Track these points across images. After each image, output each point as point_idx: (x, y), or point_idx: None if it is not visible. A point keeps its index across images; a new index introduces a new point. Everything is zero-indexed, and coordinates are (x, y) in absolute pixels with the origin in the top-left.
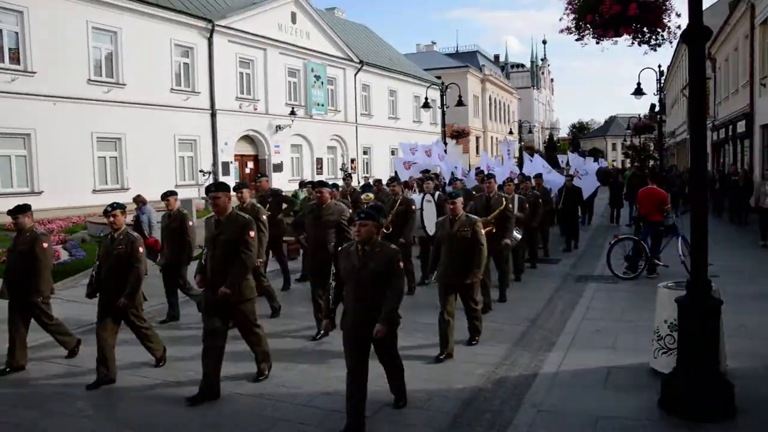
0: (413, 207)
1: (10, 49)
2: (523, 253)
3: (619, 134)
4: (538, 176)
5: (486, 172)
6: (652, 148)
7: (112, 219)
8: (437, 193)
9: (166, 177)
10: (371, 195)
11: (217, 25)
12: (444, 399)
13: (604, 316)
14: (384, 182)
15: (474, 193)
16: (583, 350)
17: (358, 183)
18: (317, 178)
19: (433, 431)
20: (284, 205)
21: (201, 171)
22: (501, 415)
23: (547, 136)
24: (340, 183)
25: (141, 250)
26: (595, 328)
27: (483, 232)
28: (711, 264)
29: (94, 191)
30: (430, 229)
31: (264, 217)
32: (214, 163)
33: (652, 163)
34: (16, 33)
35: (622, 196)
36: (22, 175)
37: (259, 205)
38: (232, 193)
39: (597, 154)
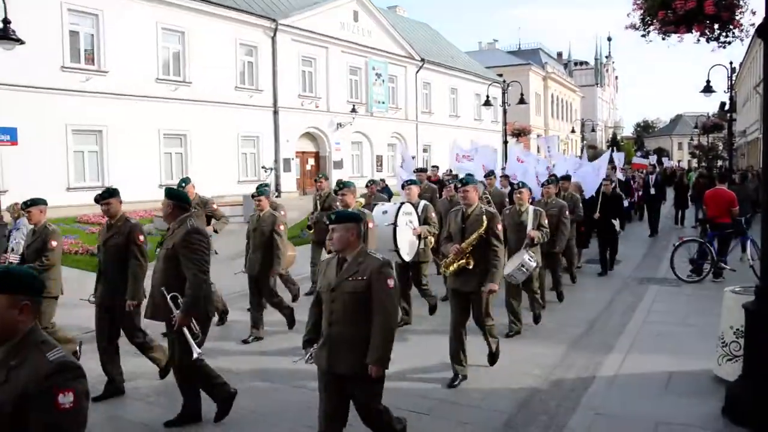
0: (369, 222)
1: (85, 51)
2: (542, 285)
3: (685, 133)
4: (566, 178)
5: (485, 172)
6: (720, 147)
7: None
8: (423, 203)
9: (229, 173)
10: (362, 200)
11: (281, 24)
12: (499, 398)
13: (666, 319)
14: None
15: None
16: (643, 354)
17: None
18: (377, 176)
19: (487, 431)
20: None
21: (263, 167)
22: (556, 417)
23: (611, 135)
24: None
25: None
26: (656, 331)
27: (499, 227)
28: None
29: (160, 186)
30: (406, 253)
31: (281, 227)
32: (276, 160)
33: (720, 163)
34: (92, 35)
35: (687, 198)
36: (93, 170)
37: (275, 213)
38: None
39: (662, 153)
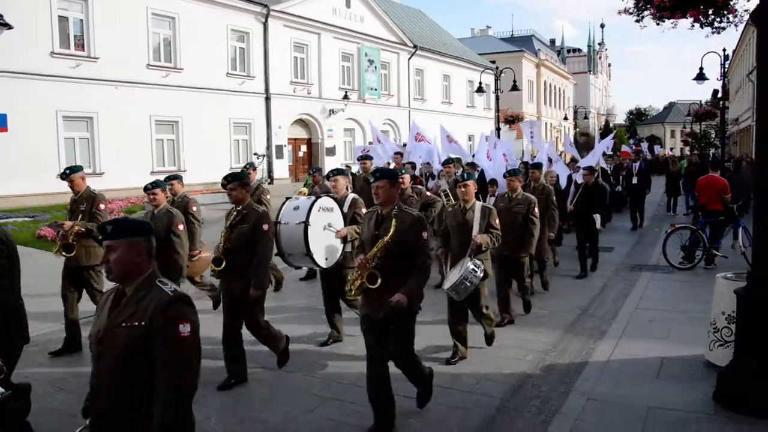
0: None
1: (75, 36)
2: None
3: (678, 121)
4: (536, 166)
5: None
6: (713, 135)
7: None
8: (351, 197)
9: (222, 160)
10: (305, 190)
11: (273, 9)
12: (492, 383)
13: (658, 305)
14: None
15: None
16: (635, 340)
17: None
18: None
19: (479, 415)
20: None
21: (255, 154)
22: (549, 402)
23: (603, 123)
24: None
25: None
26: (648, 317)
27: (425, 235)
28: None
29: (152, 173)
30: (323, 258)
31: (180, 226)
32: (268, 147)
33: (712, 151)
34: (81, 20)
35: (679, 185)
36: (85, 156)
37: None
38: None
39: (654, 141)
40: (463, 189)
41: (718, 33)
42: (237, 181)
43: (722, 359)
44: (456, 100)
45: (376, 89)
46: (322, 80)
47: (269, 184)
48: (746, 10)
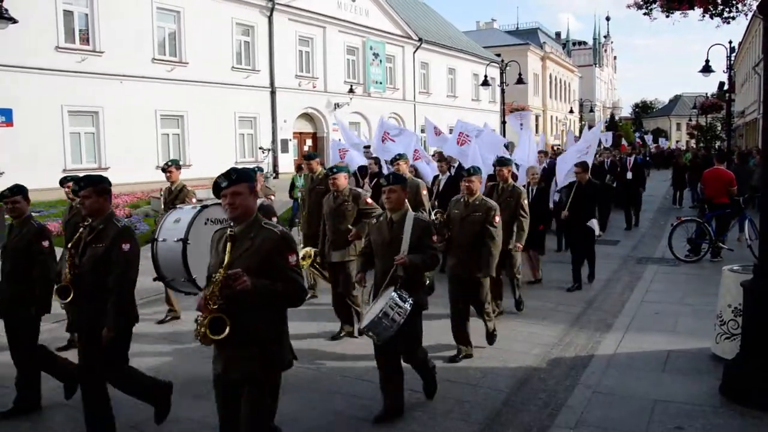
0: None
1: (80, 30)
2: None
3: (684, 114)
4: (502, 163)
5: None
6: (719, 128)
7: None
8: (263, 200)
9: (227, 154)
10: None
11: (278, 3)
12: (498, 377)
13: (664, 298)
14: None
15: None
16: (641, 333)
17: None
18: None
19: (486, 409)
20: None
21: (260, 148)
22: (555, 395)
23: (609, 116)
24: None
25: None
26: (654, 310)
27: (497, 219)
28: None
29: (158, 167)
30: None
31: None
32: (273, 141)
33: (718, 144)
34: (86, 15)
35: (685, 177)
36: (90, 151)
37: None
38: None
39: (660, 134)
40: (387, 196)
41: (728, 23)
42: (91, 186)
43: (728, 352)
44: (461, 94)
45: (381, 83)
46: (327, 74)
47: (274, 178)
48: None
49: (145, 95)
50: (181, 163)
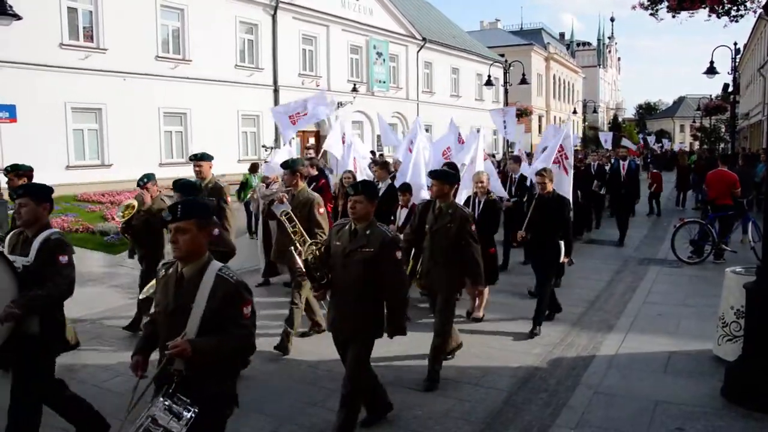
0: None
1: (84, 28)
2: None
3: (688, 115)
4: (440, 176)
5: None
6: (723, 130)
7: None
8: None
9: (230, 152)
10: (135, 202)
11: (281, 1)
12: (499, 377)
13: (666, 300)
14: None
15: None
16: (643, 334)
17: None
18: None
19: (486, 409)
20: None
21: (263, 146)
22: (556, 395)
23: (612, 117)
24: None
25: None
26: (656, 312)
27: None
28: None
29: (161, 164)
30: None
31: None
32: (276, 139)
33: (722, 146)
34: (90, 12)
35: (689, 179)
36: (93, 148)
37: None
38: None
39: (663, 135)
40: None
41: (736, 21)
42: (30, 195)
43: (730, 354)
44: (464, 94)
45: (384, 82)
46: (330, 73)
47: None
48: None
49: (148, 92)
50: (183, 159)
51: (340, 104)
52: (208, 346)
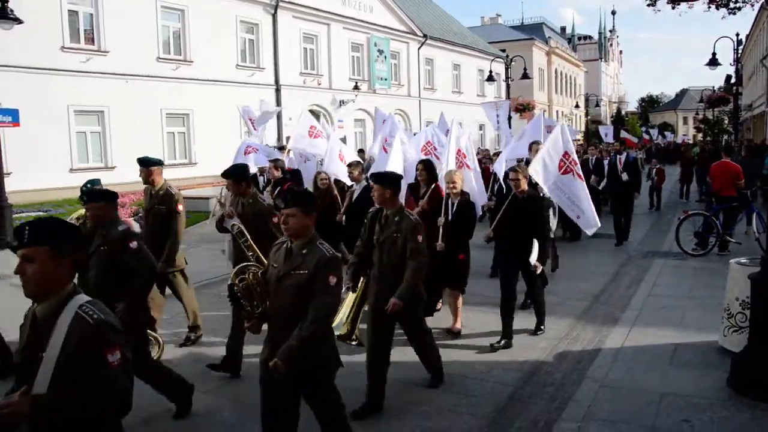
0: None
1: (85, 30)
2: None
3: (690, 108)
4: (381, 179)
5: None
6: (726, 121)
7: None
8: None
9: (233, 151)
10: (82, 211)
11: (282, 0)
12: (505, 371)
13: (671, 292)
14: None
15: None
16: (648, 326)
17: None
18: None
19: (493, 403)
20: None
21: (266, 145)
22: (562, 389)
23: (615, 110)
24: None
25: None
26: (661, 304)
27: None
28: None
29: (164, 166)
30: None
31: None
32: (279, 138)
33: (725, 137)
34: (91, 14)
35: (692, 171)
36: (96, 150)
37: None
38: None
39: (667, 128)
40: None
41: (734, 14)
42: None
43: (736, 345)
44: (466, 90)
45: (386, 79)
46: (332, 71)
47: None
48: None
49: (150, 94)
50: (186, 160)
51: (342, 102)
52: (59, 403)
